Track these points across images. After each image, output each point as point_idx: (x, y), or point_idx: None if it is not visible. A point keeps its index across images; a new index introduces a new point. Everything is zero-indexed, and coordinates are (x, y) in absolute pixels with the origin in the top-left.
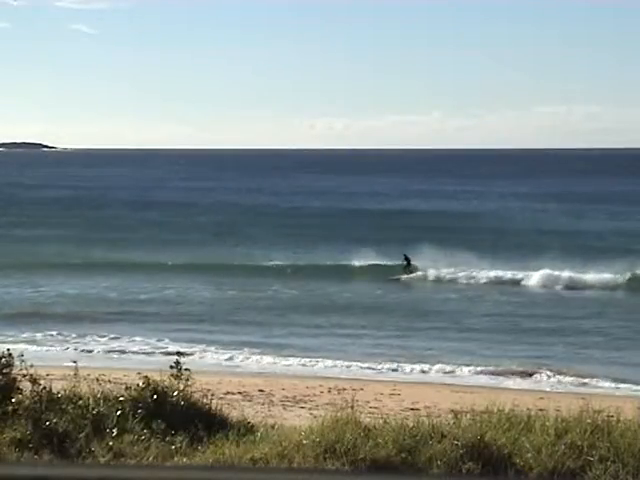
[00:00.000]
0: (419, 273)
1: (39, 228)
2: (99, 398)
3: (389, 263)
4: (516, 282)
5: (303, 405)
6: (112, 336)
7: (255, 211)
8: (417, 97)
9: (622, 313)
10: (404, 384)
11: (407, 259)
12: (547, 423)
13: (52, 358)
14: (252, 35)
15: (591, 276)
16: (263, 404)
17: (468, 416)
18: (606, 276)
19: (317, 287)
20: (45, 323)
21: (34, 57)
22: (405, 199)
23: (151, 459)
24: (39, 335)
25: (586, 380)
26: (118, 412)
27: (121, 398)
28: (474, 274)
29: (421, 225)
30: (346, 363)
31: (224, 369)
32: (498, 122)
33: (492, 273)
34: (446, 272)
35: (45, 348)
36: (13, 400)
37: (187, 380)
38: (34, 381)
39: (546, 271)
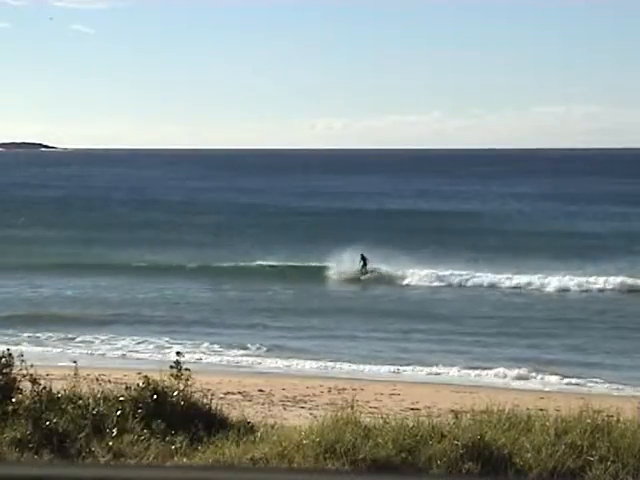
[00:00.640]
0: (375, 273)
1: (39, 228)
2: (99, 398)
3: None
4: (516, 283)
5: (303, 405)
6: (112, 336)
7: (257, 211)
8: (417, 97)
9: (621, 313)
10: (404, 384)
11: (364, 259)
12: (547, 423)
13: (52, 358)
14: (252, 35)
15: (590, 277)
16: (263, 404)
17: (468, 416)
18: (605, 277)
19: (312, 288)
20: (45, 323)
21: (34, 57)
22: (405, 199)
23: (151, 459)
24: (39, 335)
25: (586, 380)
26: (118, 412)
27: (121, 398)
28: (467, 277)
29: (421, 225)
30: (346, 364)
31: (224, 369)
32: (498, 122)
33: (491, 275)
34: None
35: (45, 348)
36: (13, 400)
37: (187, 380)
38: (34, 381)
39: (548, 273)
